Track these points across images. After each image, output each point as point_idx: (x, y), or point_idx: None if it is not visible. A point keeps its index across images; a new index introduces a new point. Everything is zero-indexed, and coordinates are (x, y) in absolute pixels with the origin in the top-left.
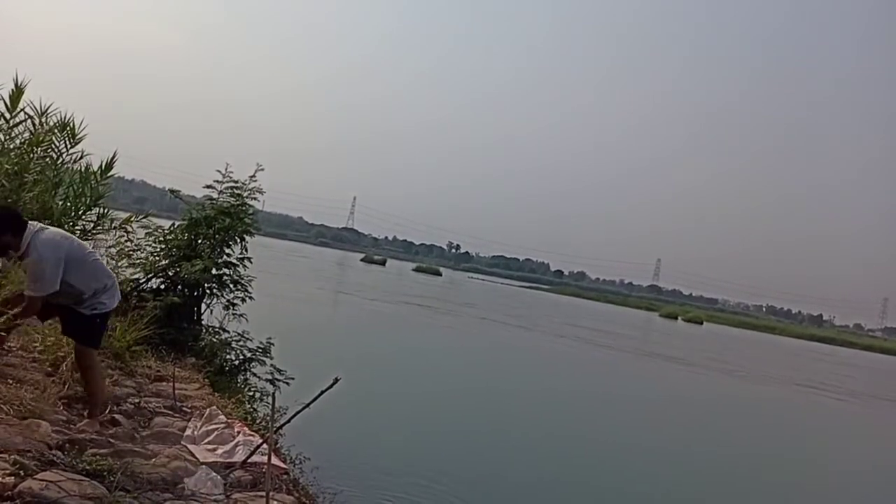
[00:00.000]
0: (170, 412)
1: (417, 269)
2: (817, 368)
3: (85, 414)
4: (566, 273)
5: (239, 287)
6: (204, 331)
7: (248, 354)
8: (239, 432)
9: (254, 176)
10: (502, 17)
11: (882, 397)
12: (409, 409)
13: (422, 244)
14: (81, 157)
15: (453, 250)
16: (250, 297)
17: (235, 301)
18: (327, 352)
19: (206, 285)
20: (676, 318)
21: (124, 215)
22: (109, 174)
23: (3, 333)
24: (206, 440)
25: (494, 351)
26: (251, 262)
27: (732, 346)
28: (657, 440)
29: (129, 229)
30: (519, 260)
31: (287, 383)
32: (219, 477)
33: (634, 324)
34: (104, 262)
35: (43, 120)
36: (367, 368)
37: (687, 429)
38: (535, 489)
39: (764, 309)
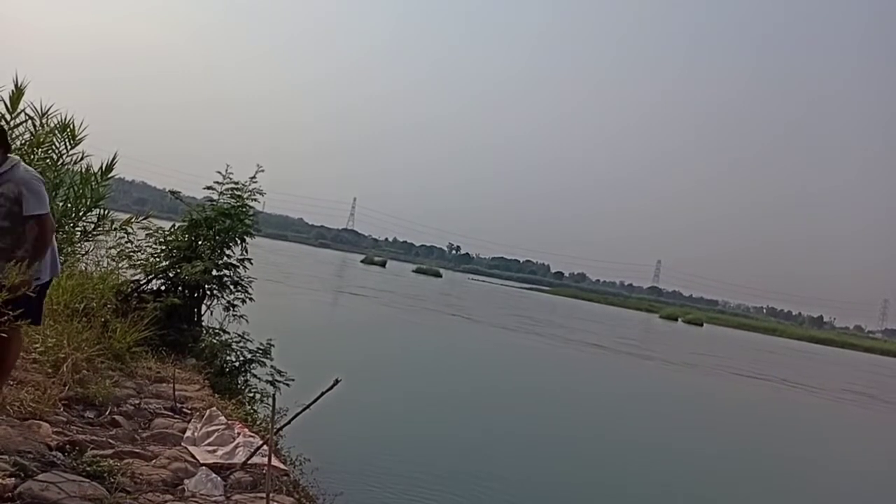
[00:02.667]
0: (170, 413)
1: (417, 271)
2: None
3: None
4: (566, 274)
5: (239, 288)
6: (204, 332)
7: (249, 356)
8: (239, 433)
9: (254, 177)
10: (502, 16)
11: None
12: (407, 409)
13: (422, 245)
14: (82, 159)
15: (454, 252)
16: (250, 299)
17: (236, 302)
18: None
19: (206, 286)
20: (676, 320)
21: (125, 216)
22: (110, 175)
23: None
24: (206, 441)
25: (482, 350)
26: (251, 264)
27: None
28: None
29: (130, 230)
30: (519, 261)
31: (287, 384)
32: (219, 478)
33: (610, 321)
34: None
35: (43, 121)
36: (357, 368)
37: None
38: (534, 486)
39: (764, 310)
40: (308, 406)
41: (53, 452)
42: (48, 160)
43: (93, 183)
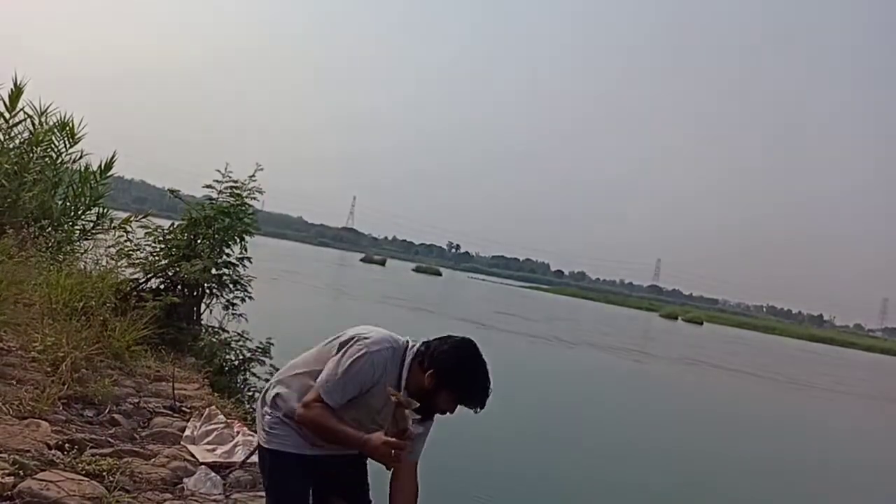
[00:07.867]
0: (169, 412)
1: (417, 270)
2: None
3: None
4: (566, 273)
5: (238, 287)
6: (203, 331)
7: (248, 354)
8: (238, 432)
9: (253, 176)
10: (507, 20)
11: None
12: None
13: (422, 244)
14: (81, 157)
15: (453, 250)
16: (250, 297)
17: (235, 301)
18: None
19: (205, 285)
20: (676, 319)
21: (124, 215)
22: (109, 174)
23: None
24: (205, 440)
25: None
26: (251, 262)
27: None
28: None
29: (129, 229)
30: (519, 260)
31: None
32: (218, 477)
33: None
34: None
35: (42, 119)
36: None
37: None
38: (542, 485)
39: (764, 309)
40: None
41: (52, 451)
42: (47, 158)
43: (92, 181)
